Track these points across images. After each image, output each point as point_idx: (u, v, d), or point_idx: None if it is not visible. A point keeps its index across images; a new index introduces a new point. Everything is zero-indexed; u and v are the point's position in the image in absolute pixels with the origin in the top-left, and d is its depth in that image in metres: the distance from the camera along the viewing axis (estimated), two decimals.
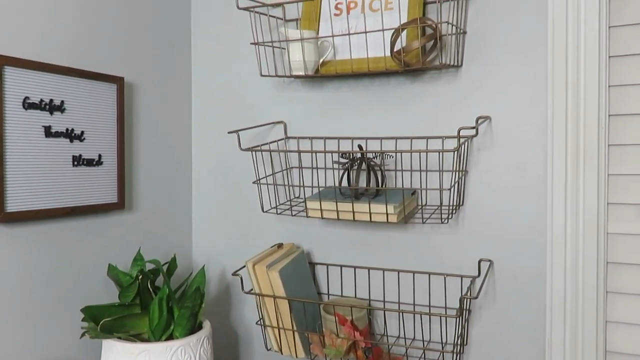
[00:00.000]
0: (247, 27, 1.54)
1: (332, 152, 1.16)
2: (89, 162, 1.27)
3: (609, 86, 1.17)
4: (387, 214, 1.17)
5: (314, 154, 1.43)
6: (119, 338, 1.17)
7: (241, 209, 1.57)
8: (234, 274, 1.29)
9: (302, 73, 1.30)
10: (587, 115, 1.16)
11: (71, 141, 1.23)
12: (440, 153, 1.25)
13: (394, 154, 1.35)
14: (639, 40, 1.14)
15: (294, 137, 1.48)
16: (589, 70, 1.15)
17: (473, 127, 1.11)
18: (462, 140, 1.23)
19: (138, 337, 1.19)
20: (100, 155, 1.30)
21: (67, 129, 1.22)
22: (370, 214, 1.19)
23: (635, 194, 1.15)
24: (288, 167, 1.49)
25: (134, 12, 1.42)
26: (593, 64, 1.15)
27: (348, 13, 1.35)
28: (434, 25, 1.16)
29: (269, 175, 1.37)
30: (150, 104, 1.49)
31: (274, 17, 1.42)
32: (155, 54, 1.50)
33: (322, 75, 1.33)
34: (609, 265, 1.18)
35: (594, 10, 1.13)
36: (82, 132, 1.25)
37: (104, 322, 1.11)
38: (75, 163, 1.24)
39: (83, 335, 1.17)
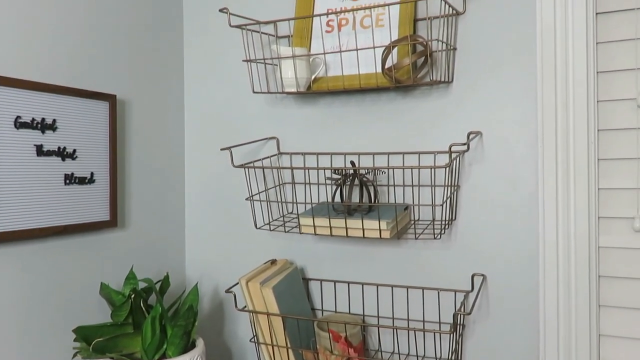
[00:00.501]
0: (239, 44, 1.55)
1: (324, 169, 1.16)
2: (81, 181, 1.27)
3: (598, 101, 1.18)
4: (380, 230, 1.18)
5: (306, 170, 1.43)
6: (112, 358, 1.16)
7: (234, 225, 1.56)
8: (227, 291, 1.28)
9: (294, 90, 1.30)
10: (577, 131, 1.17)
11: (63, 160, 1.23)
12: (432, 169, 1.25)
13: (386, 170, 1.35)
14: (626, 56, 1.16)
15: (287, 153, 1.48)
16: (578, 86, 1.16)
17: (464, 144, 1.11)
18: (453, 155, 1.24)
19: (131, 357, 1.18)
20: (92, 173, 1.30)
21: (59, 148, 1.21)
22: (363, 230, 1.19)
23: (625, 208, 1.16)
24: (281, 182, 1.49)
25: (126, 29, 1.43)
26: (582, 79, 1.16)
27: (339, 30, 1.36)
28: (424, 43, 1.17)
29: (261, 192, 1.37)
30: (142, 121, 1.49)
31: (266, 34, 1.43)
32: (148, 71, 1.50)
33: (314, 91, 1.34)
34: (601, 279, 1.18)
35: (582, 27, 1.15)
36: (74, 151, 1.25)
37: (96, 342, 1.10)
38: (67, 181, 1.23)
39: (75, 355, 1.16)
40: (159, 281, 1.31)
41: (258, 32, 1.40)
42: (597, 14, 1.18)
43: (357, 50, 1.18)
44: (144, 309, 1.20)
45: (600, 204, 1.18)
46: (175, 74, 1.60)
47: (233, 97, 1.56)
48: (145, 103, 1.49)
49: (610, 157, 1.17)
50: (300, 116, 1.47)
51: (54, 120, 1.20)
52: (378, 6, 1.12)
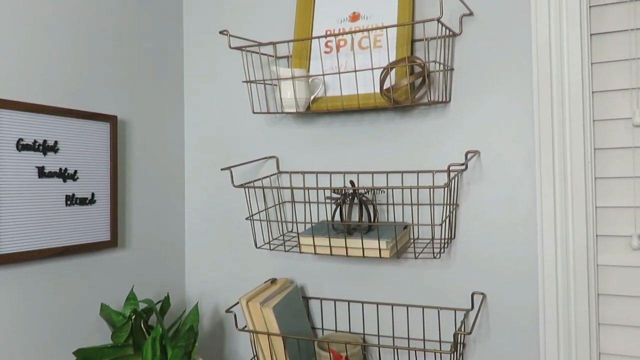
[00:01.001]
0: (238, 64, 1.56)
1: (324, 189, 1.17)
2: (82, 201, 1.28)
3: (594, 120, 1.20)
4: (379, 250, 1.18)
5: (306, 189, 1.44)
6: None
7: (234, 244, 1.57)
8: (228, 310, 1.28)
9: (293, 110, 1.32)
10: (573, 149, 1.18)
11: (64, 181, 1.23)
12: (431, 189, 1.26)
13: (385, 189, 1.36)
14: (621, 76, 1.17)
15: (286, 172, 1.49)
16: (574, 106, 1.18)
17: (462, 164, 1.13)
18: (452, 174, 1.25)
19: None
20: (93, 194, 1.30)
21: (60, 169, 1.22)
22: (363, 249, 1.19)
23: (623, 226, 1.17)
24: (281, 201, 1.50)
25: (126, 51, 1.44)
26: (577, 99, 1.18)
27: (338, 51, 1.38)
28: (422, 64, 1.19)
29: (261, 211, 1.37)
30: (143, 142, 1.50)
31: (265, 54, 1.45)
32: (148, 92, 1.52)
33: (313, 111, 1.35)
34: (600, 297, 1.19)
35: (577, 47, 1.17)
36: (75, 172, 1.26)
37: None
38: (69, 202, 1.24)
39: None
40: (159, 301, 1.31)
41: (258, 53, 1.42)
42: (591, 34, 1.20)
43: (355, 71, 1.20)
44: (144, 329, 1.20)
45: (598, 222, 1.19)
46: (175, 94, 1.62)
47: (232, 116, 1.58)
48: (146, 123, 1.51)
49: (607, 176, 1.18)
50: (300, 135, 1.48)
51: (56, 142, 1.21)
52: (376, 29, 1.14)
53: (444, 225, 1.26)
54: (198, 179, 1.63)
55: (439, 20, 1.10)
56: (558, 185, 1.19)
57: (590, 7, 1.20)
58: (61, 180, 1.22)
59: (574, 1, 1.17)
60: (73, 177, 1.25)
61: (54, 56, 1.24)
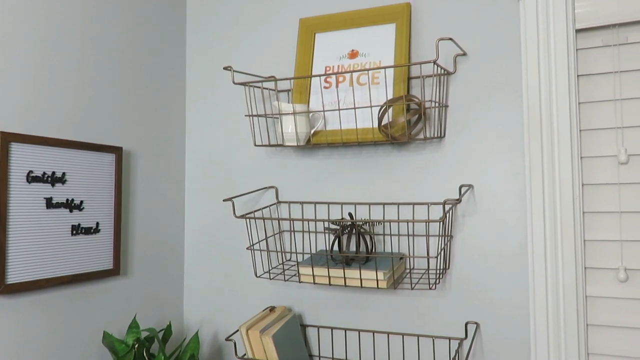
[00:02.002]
0: (239, 95, 1.61)
1: (323, 220, 1.21)
2: (87, 231, 1.31)
3: (582, 157, 1.25)
4: (377, 280, 1.22)
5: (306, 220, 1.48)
6: None
7: (232, 272, 1.60)
8: (228, 339, 1.31)
9: (294, 144, 1.36)
10: (563, 185, 1.23)
11: (71, 211, 1.27)
12: (427, 223, 1.31)
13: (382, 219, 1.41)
14: (607, 115, 1.24)
15: (285, 202, 1.53)
16: (563, 143, 1.24)
17: (457, 200, 1.17)
18: (447, 207, 1.30)
19: None
20: (97, 223, 1.34)
21: (67, 200, 1.26)
22: (361, 280, 1.23)
23: (610, 259, 1.22)
24: (280, 230, 1.54)
25: (131, 84, 1.49)
26: (566, 137, 1.23)
27: (337, 86, 1.44)
28: (418, 102, 1.24)
29: (261, 240, 1.41)
30: (146, 172, 1.54)
31: (267, 88, 1.50)
32: (152, 124, 1.56)
33: (313, 144, 1.40)
34: (589, 327, 1.23)
35: (565, 87, 1.23)
36: (82, 202, 1.29)
37: None
38: (74, 232, 1.27)
39: None
40: (161, 330, 1.34)
41: (260, 87, 1.47)
42: (578, 76, 1.26)
43: (355, 108, 1.25)
44: (146, 358, 1.22)
45: (587, 255, 1.24)
46: (177, 126, 1.67)
47: (233, 147, 1.62)
48: (149, 154, 1.55)
49: (595, 210, 1.24)
50: (299, 166, 1.53)
51: (64, 174, 1.25)
52: (374, 69, 1.20)
53: (438, 257, 1.30)
54: (198, 208, 1.66)
55: (435, 62, 1.16)
56: (548, 219, 1.24)
57: (577, 50, 1.26)
58: (68, 210, 1.26)
59: (562, 44, 1.24)
60: (79, 207, 1.29)
61: (63, 91, 1.29)
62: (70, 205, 1.27)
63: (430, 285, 1.20)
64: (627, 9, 1.20)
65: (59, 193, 1.24)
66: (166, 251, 1.60)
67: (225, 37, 1.66)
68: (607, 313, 1.22)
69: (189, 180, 1.69)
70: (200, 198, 1.66)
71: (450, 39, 1.17)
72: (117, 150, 1.39)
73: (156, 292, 1.56)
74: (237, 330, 1.34)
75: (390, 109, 1.32)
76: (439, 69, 1.31)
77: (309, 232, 1.50)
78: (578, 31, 1.26)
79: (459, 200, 1.23)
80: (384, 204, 1.41)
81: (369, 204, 1.43)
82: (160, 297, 1.57)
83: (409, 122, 1.29)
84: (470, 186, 1.33)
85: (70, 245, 1.26)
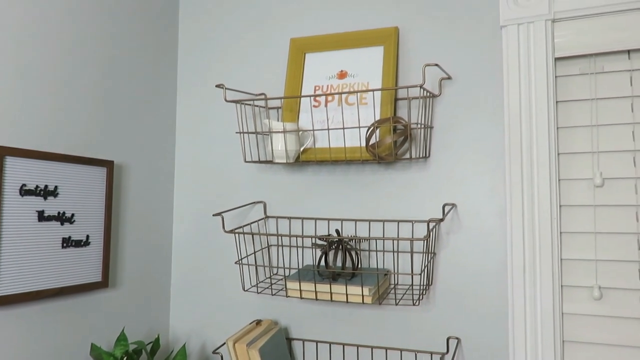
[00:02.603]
0: (229, 112, 1.65)
1: (310, 237, 1.25)
2: (77, 243, 1.32)
3: (559, 180, 1.31)
4: (362, 296, 1.26)
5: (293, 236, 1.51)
6: None
7: (219, 285, 1.62)
8: (215, 352, 1.33)
9: (284, 161, 1.40)
10: (541, 206, 1.29)
11: (62, 224, 1.28)
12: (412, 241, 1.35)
13: (367, 236, 1.44)
14: (584, 140, 1.29)
15: (273, 217, 1.56)
16: (541, 166, 1.29)
17: (440, 218, 1.22)
18: (431, 225, 1.34)
19: None
20: (88, 236, 1.35)
21: (58, 213, 1.27)
22: (347, 295, 1.27)
23: (585, 277, 1.27)
24: (268, 245, 1.57)
25: (124, 100, 1.52)
26: (544, 160, 1.29)
27: (326, 106, 1.48)
28: (405, 124, 1.29)
29: (250, 255, 1.44)
30: (136, 185, 1.56)
31: (258, 106, 1.54)
32: (143, 138, 1.58)
33: (302, 161, 1.44)
34: (565, 344, 1.28)
35: (544, 113, 1.29)
36: (73, 215, 1.31)
37: None
38: (65, 245, 1.29)
39: None
40: (150, 342, 1.35)
41: (251, 104, 1.51)
42: (557, 102, 1.32)
43: (344, 128, 1.29)
44: None
45: (563, 273, 1.29)
46: (168, 140, 1.69)
47: (223, 162, 1.65)
48: (140, 168, 1.57)
49: (572, 231, 1.29)
50: (288, 182, 1.56)
51: (56, 187, 1.27)
52: (362, 91, 1.24)
53: (422, 275, 1.35)
54: (187, 221, 1.69)
55: (421, 87, 1.21)
56: (527, 238, 1.29)
57: (556, 77, 1.32)
58: (59, 223, 1.27)
59: (542, 72, 1.30)
60: (70, 220, 1.30)
61: (57, 106, 1.31)
62: (62, 219, 1.28)
63: (414, 302, 1.24)
64: (603, 41, 1.26)
65: (50, 206, 1.25)
66: (154, 264, 1.62)
67: (217, 53, 1.69)
68: (582, 330, 1.27)
69: (177, 194, 1.71)
70: (189, 211, 1.69)
71: (437, 64, 1.22)
72: (108, 164, 1.41)
73: (144, 305, 1.57)
74: (224, 343, 1.36)
75: (378, 129, 1.36)
76: (425, 92, 1.36)
77: (297, 247, 1.53)
78: (557, 59, 1.32)
79: (442, 219, 1.28)
80: (369, 221, 1.45)
81: (355, 220, 1.47)
82: (148, 309, 1.59)
83: (395, 143, 1.34)
84: (453, 205, 1.37)
85: (60, 258, 1.28)
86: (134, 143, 1.55)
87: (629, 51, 1.27)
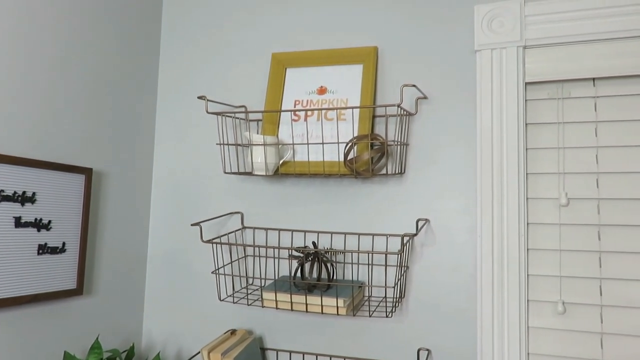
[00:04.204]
0: (210, 122, 1.67)
1: (287, 248, 1.28)
2: (53, 250, 1.32)
3: (527, 198, 1.37)
4: (337, 307, 1.29)
5: (270, 248, 1.53)
6: None
7: (195, 294, 1.63)
8: None
9: (263, 173, 1.42)
10: (510, 223, 1.34)
11: (38, 230, 1.28)
12: (386, 255, 1.39)
13: (343, 249, 1.48)
14: (550, 162, 1.36)
15: (251, 227, 1.58)
16: (510, 185, 1.35)
17: (414, 234, 1.26)
18: (405, 239, 1.39)
19: None
20: (64, 243, 1.35)
21: (35, 219, 1.27)
22: (322, 306, 1.29)
23: (550, 293, 1.33)
24: (245, 255, 1.58)
25: (104, 107, 1.52)
26: (513, 179, 1.35)
27: (306, 120, 1.51)
28: (382, 141, 1.33)
29: (226, 265, 1.45)
30: (114, 193, 1.56)
31: (238, 118, 1.56)
32: (122, 146, 1.59)
33: (282, 174, 1.46)
34: (530, 357, 1.33)
35: (514, 135, 1.35)
36: (50, 222, 1.31)
37: None
38: (40, 251, 1.28)
39: None
40: (124, 351, 1.35)
41: (232, 116, 1.53)
42: (526, 124, 1.39)
43: (323, 144, 1.32)
44: None
45: (530, 288, 1.35)
46: (146, 149, 1.70)
47: (201, 171, 1.67)
48: (118, 176, 1.57)
49: (538, 248, 1.35)
50: (267, 192, 1.59)
51: (34, 193, 1.26)
52: (341, 108, 1.28)
53: (395, 288, 1.38)
54: (163, 230, 1.69)
55: (399, 106, 1.26)
56: (496, 254, 1.35)
57: (526, 100, 1.39)
58: (36, 230, 1.27)
59: (513, 95, 1.36)
60: (47, 226, 1.30)
61: (37, 112, 1.31)
62: (39, 225, 1.28)
63: (387, 313, 1.27)
64: (570, 68, 1.33)
65: (28, 212, 1.25)
66: (130, 272, 1.62)
67: (199, 65, 1.71)
68: (546, 343, 1.32)
69: (155, 203, 1.71)
70: (166, 220, 1.69)
71: (414, 85, 1.27)
72: (87, 171, 1.41)
73: (119, 313, 1.57)
74: (199, 352, 1.37)
75: (356, 145, 1.40)
76: (402, 110, 1.41)
77: (273, 257, 1.55)
78: (528, 84, 1.39)
79: (415, 234, 1.32)
80: (345, 234, 1.48)
81: (331, 233, 1.50)
82: (123, 317, 1.58)
83: (373, 159, 1.38)
84: (427, 220, 1.42)
85: (36, 264, 1.27)
86: (113, 151, 1.55)
87: (594, 79, 1.35)
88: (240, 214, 1.60)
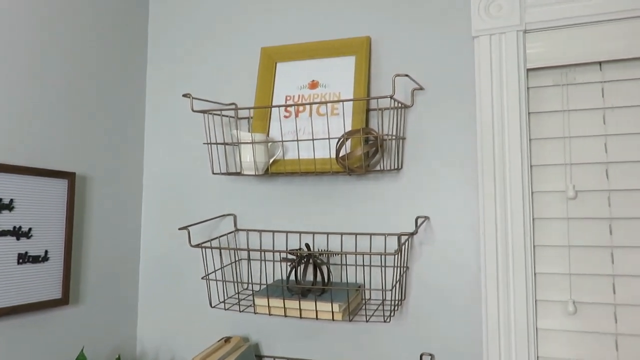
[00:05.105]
0: (201, 122, 1.60)
1: (280, 251, 1.21)
2: (35, 259, 1.26)
3: (532, 192, 1.29)
4: (332, 312, 1.22)
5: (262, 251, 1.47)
6: None
7: (189, 300, 1.57)
8: None
9: (252, 173, 1.36)
10: (514, 219, 1.26)
11: (18, 239, 1.22)
12: (383, 256, 1.32)
13: (339, 250, 1.41)
14: (555, 152, 1.28)
15: (244, 230, 1.52)
16: (514, 178, 1.27)
17: (413, 233, 1.19)
18: (403, 239, 1.31)
19: None
20: (46, 251, 1.29)
21: (14, 227, 1.21)
22: (316, 311, 1.23)
23: (560, 292, 1.25)
24: (237, 259, 1.52)
25: (89, 108, 1.47)
26: (517, 172, 1.27)
27: (297, 116, 1.45)
28: (375, 135, 1.26)
29: (217, 270, 1.39)
30: (102, 197, 1.50)
31: (227, 116, 1.50)
32: (110, 149, 1.53)
33: (272, 173, 1.40)
34: None
35: (516, 124, 1.27)
36: (30, 229, 1.25)
37: None
38: (21, 261, 1.23)
39: None
40: None
41: (219, 114, 1.47)
42: (529, 113, 1.31)
43: (313, 140, 1.26)
44: None
45: (537, 287, 1.27)
46: (136, 151, 1.64)
47: (193, 173, 1.60)
48: (105, 179, 1.51)
49: (545, 244, 1.27)
50: (259, 193, 1.52)
51: (11, 200, 1.21)
52: (333, 101, 1.21)
53: (393, 290, 1.31)
54: (155, 234, 1.63)
55: (391, 97, 1.18)
56: (500, 252, 1.27)
57: (528, 88, 1.31)
58: (15, 238, 1.21)
59: (514, 83, 1.28)
60: (27, 235, 1.24)
61: (14, 114, 1.25)
62: (18, 233, 1.22)
63: (385, 318, 1.20)
64: (574, 52, 1.25)
65: (5, 220, 1.19)
66: (120, 279, 1.56)
67: (187, 61, 1.65)
68: (557, 346, 1.24)
69: (146, 206, 1.65)
70: (158, 224, 1.63)
71: (407, 75, 1.20)
72: (70, 176, 1.36)
73: (108, 322, 1.51)
74: None
75: (349, 140, 1.33)
76: (397, 102, 1.33)
77: (264, 260, 1.49)
78: (529, 70, 1.31)
79: (414, 232, 1.25)
80: (341, 234, 1.41)
81: (327, 234, 1.43)
82: (112, 327, 1.53)
83: (367, 154, 1.31)
84: (426, 218, 1.34)
85: (16, 274, 1.22)
86: (99, 154, 1.49)
87: (600, 63, 1.26)
88: (232, 216, 1.54)
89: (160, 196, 1.64)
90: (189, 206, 1.60)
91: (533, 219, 1.28)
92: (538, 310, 1.27)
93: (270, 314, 1.27)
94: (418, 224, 1.34)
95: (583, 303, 1.24)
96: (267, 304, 1.27)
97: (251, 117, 1.51)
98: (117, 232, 1.55)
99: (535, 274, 1.27)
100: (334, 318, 1.22)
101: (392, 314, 1.28)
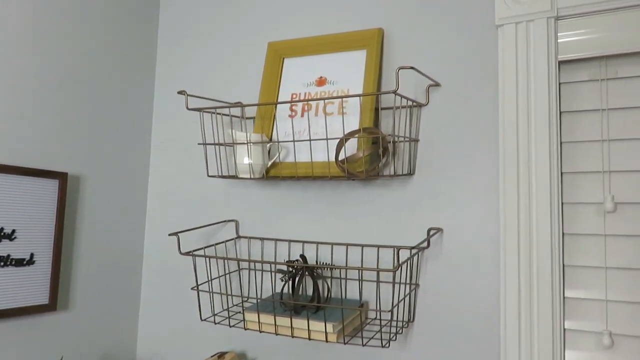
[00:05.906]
0: (206, 122, 1.52)
1: (272, 263, 1.09)
2: (19, 262, 1.21)
3: (562, 203, 1.11)
4: (326, 333, 1.09)
5: (258, 262, 1.36)
6: None
7: (186, 311, 1.48)
8: None
9: (248, 176, 1.25)
10: (540, 233, 1.09)
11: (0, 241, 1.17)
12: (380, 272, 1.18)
13: (342, 262, 1.28)
14: (592, 158, 1.10)
15: (246, 237, 1.41)
16: (541, 188, 1.10)
17: (422, 245, 1.04)
18: (407, 253, 1.17)
19: None
20: (32, 254, 1.24)
21: None
22: (309, 331, 1.10)
23: (594, 321, 1.07)
24: (239, 268, 1.42)
25: (90, 107, 1.41)
26: (545, 180, 1.10)
27: (302, 115, 1.33)
28: (379, 135, 1.12)
29: (214, 279, 1.29)
30: (96, 198, 1.43)
31: (228, 115, 1.40)
32: (109, 148, 1.47)
33: (269, 177, 1.29)
34: None
35: (544, 125, 1.10)
36: (13, 231, 1.20)
37: None
38: (2, 264, 1.17)
39: None
40: None
41: (215, 113, 1.37)
42: (561, 112, 1.13)
43: (310, 140, 1.13)
44: None
45: (566, 315, 1.09)
46: (138, 151, 1.57)
47: (196, 177, 1.52)
48: (101, 180, 1.45)
49: (577, 264, 1.09)
50: (261, 198, 1.41)
51: None
52: (331, 98, 1.08)
53: (398, 307, 1.17)
54: (156, 239, 1.56)
55: (395, 93, 1.04)
56: (523, 272, 1.10)
57: (560, 83, 1.13)
58: None
59: (543, 77, 1.11)
60: (10, 237, 1.19)
61: (4, 113, 1.20)
62: (0, 235, 1.17)
63: (383, 343, 1.06)
64: (617, 40, 1.07)
65: None
66: (116, 286, 1.49)
67: (194, 58, 1.57)
68: None
69: (149, 210, 1.58)
70: (159, 228, 1.56)
71: (412, 67, 1.05)
72: (61, 176, 1.30)
73: (101, 329, 1.44)
74: None
75: (355, 141, 1.20)
76: (404, 99, 1.19)
77: (263, 271, 1.37)
78: (561, 63, 1.13)
79: (426, 246, 1.10)
80: (347, 245, 1.28)
81: (332, 244, 1.30)
82: (104, 335, 1.46)
83: (371, 157, 1.17)
84: (439, 230, 1.19)
85: None
86: (93, 153, 1.43)
87: None
88: (235, 222, 1.44)
89: (162, 199, 1.56)
90: (190, 211, 1.51)
91: (563, 235, 1.10)
92: (567, 342, 1.08)
93: (260, 331, 1.16)
94: (430, 237, 1.19)
95: (621, 335, 1.05)
96: (257, 320, 1.16)
97: (254, 118, 1.40)
98: (111, 236, 1.48)
99: (564, 298, 1.09)
100: (328, 339, 1.09)
101: (394, 337, 1.13)
